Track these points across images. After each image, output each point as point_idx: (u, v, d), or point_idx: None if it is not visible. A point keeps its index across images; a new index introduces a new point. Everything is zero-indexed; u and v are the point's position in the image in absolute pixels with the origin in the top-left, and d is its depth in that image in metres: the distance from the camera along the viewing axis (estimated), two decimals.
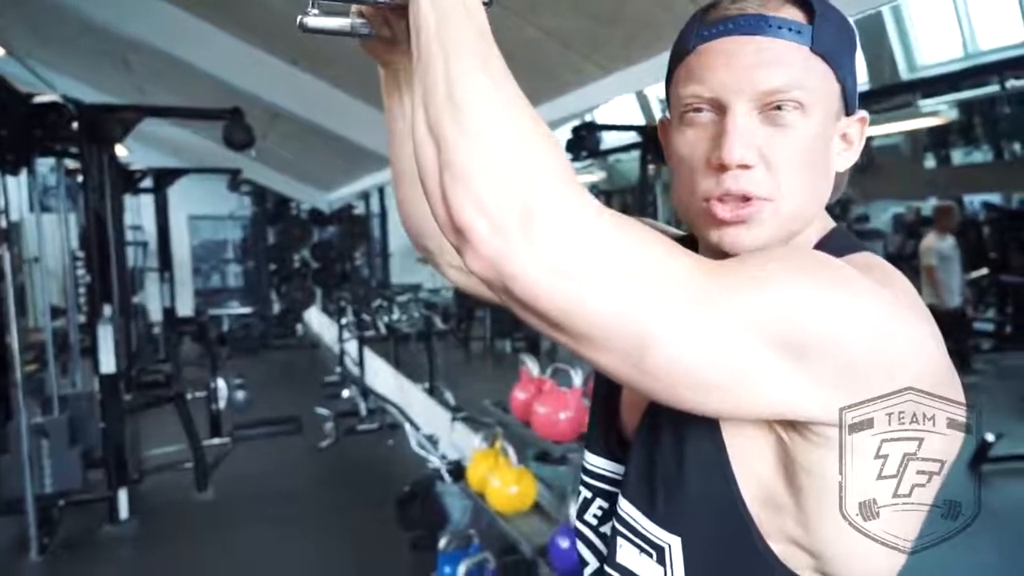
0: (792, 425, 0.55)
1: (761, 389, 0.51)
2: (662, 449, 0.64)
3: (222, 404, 4.31)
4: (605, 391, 0.78)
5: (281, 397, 5.97)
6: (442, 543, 2.78)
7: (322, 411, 5.08)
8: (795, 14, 0.60)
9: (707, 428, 0.60)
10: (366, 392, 5.57)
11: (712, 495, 0.60)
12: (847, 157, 0.65)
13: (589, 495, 0.77)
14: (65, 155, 4.10)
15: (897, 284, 0.56)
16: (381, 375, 6.03)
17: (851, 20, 0.65)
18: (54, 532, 3.57)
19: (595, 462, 0.77)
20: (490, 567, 2.60)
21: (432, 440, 3.51)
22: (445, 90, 0.51)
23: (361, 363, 6.39)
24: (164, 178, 6.60)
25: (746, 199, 0.60)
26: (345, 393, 6.06)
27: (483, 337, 7.78)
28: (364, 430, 5.19)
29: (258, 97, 4.04)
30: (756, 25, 0.59)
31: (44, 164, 4.96)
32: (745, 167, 0.59)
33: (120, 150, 4.69)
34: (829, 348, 0.51)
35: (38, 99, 3.68)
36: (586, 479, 0.78)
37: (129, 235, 7.44)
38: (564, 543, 2.21)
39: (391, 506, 3.49)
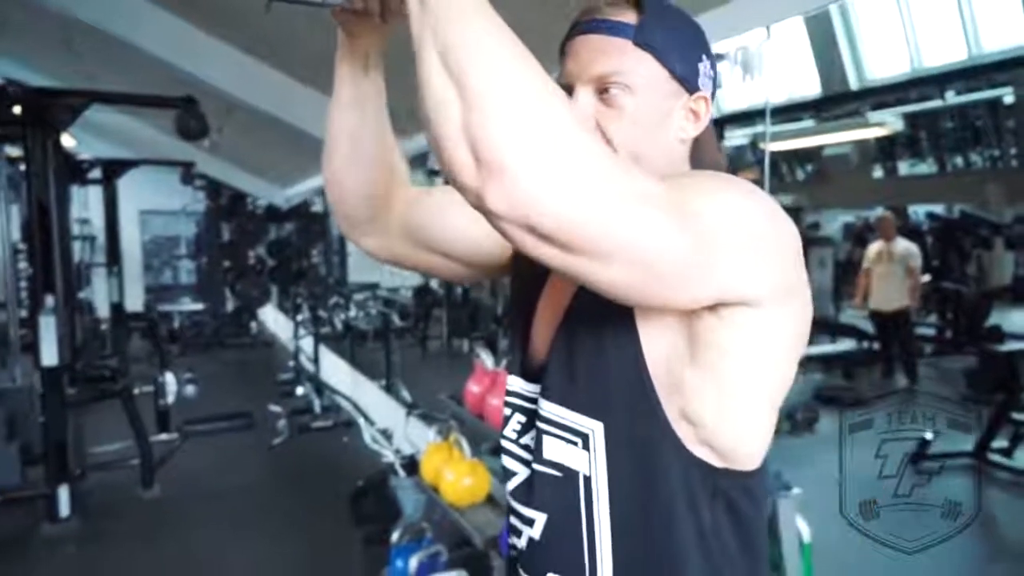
0: (711, 307, 0.67)
1: (716, 275, 0.63)
2: (583, 346, 0.76)
3: (171, 399, 4.20)
4: (521, 321, 0.88)
5: (233, 395, 5.84)
6: (395, 537, 2.76)
7: (275, 408, 4.99)
8: (629, 16, 0.75)
9: (622, 318, 0.72)
10: (320, 389, 5.50)
11: (627, 378, 0.72)
12: (696, 126, 0.79)
13: (509, 412, 0.88)
14: (6, 140, 3.94)
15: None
16: (337, 373, 5.96)
17: (696, 21, 0.81)
18: None
19: (513, 383, 0.88)
20: (442, 560, 2.59)
21: (386, 434, 3.48)
22: (473, 39, 0.55)
23: (316, 360, 6.31)
24: (113, 169, 6.39)
25: None
26: (299, 391, 5.97)
27: (440, 336, 7.75)
28: (318, 427, 5.10)
29: (213, 87, 3.97)
30: (593, 26, 0.76)
31: None
32: None
33: (67, 140, 4.54)
34: (754, 237, 0.65)
35: None
36: (507, 399, 0.89)
37: (76, 229, 7.21)
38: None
39: (344, 502, 3.45)
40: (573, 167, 0.55)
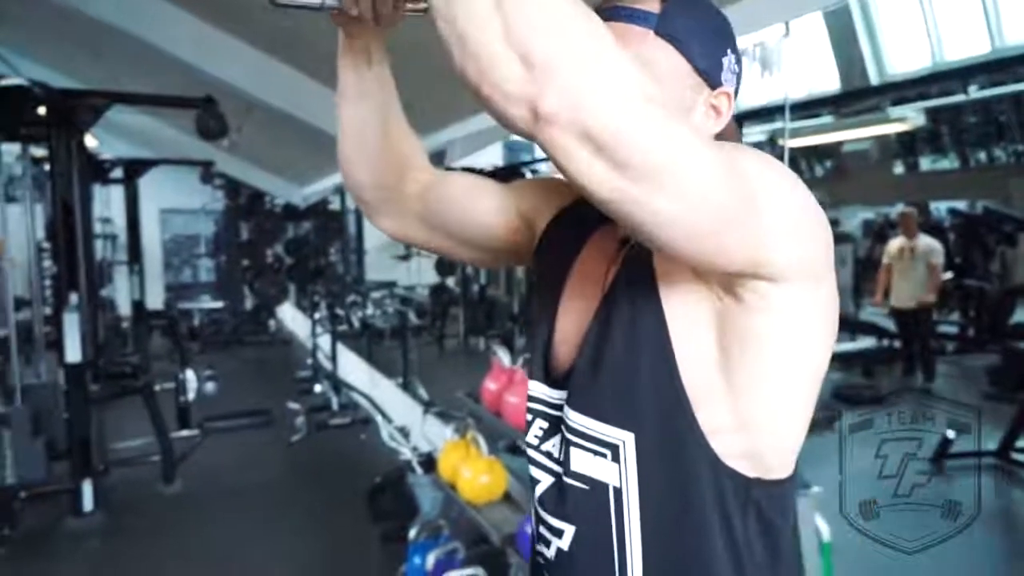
0: (732, 291, 0.67)
1: (753, 232, 0.61)
2: (612, 354, 0.74)
3: (191, 396, 4.25)
4: (543, 324, 0.86)
5: (252, 392, 5.91)
6: (412, 534, 2.78)
7: (293, 405, 5.03)
8: (651, 5, 0.73)
9: (653, 322, 0.71)
10: (338, 387, 5.54)
11: (660, 387, 0.71)
12: (717, 123, 0.76)
13: (530, 417, 0.87)
14: (31, 140, 4.00)
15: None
16: (354, 370, 5.99)
17: (723, 13, 0.78)
18: (16, 524, 3.49)
19: (535, 388, 0.86)
20: (459, 557, 2.60)
21: (404, 432, 3.50)
22: None
23: (334, 358, 6.35)
24: (135, 169, 6.47)
25: None
26: (317, 388, 6.01)
27: (457, 334, 7.78)
28: (336, 425, 5.14)
29: (233, 87, 3.99)
30: (613, 13, 0.73)
31: (9, 153, 4.86)
32: None
33: (90, 140, 4.60)
34: (789, 211, 0.64)
35: (2, 83, 3.60)
36: (529, 404, 0.87)
37: (98, 227, 7.31)
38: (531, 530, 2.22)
39: (362, 499, 3.48)
40: (623, 70, 0.54)
